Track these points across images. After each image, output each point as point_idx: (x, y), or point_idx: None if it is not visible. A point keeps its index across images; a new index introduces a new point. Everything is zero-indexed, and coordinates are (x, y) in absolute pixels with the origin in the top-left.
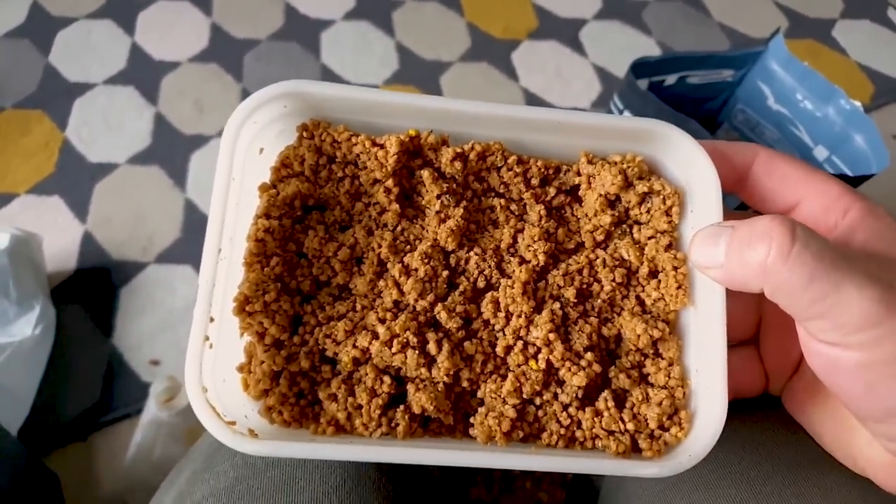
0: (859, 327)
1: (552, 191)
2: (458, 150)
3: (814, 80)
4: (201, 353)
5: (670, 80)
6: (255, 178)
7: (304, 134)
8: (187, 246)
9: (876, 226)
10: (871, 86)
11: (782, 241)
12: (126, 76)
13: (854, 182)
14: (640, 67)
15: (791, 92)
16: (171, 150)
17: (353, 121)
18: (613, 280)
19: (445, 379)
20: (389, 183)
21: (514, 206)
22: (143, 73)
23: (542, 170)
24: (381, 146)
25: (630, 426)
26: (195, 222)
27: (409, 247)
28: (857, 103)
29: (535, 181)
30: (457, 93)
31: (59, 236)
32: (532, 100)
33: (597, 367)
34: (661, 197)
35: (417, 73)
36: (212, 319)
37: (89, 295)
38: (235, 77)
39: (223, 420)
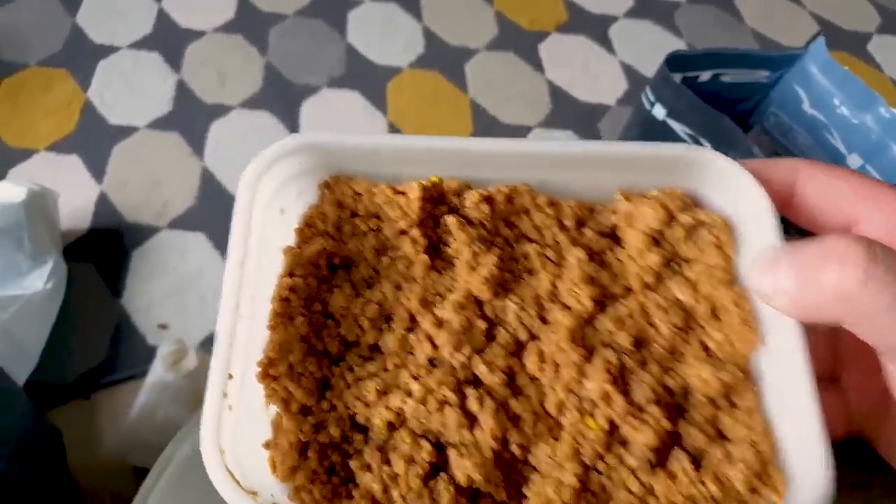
0: None
1: (589, 233)
2: (484, 192)
3: (853, 85)
4: (219, 411)
5: (704, 76)
6: (277, 239)
7: (326, 192)
8: (202, 213)
9: None
10: None
11: (859, 262)
12: (151, 42)
13: None
14: (675, 61)
15: (828, 97)
16: (192, 118)
17: (374, 173)
18: (671, 323)
19: (492, 443)
20: (415, 233)
21: (549, 252)
22: (168, 40)
23: (576, 210)
24: (403, 193)
25: (714, 489)
26: (211, 191)
27: (440, 299)
28: None
29: (569, 223)
30: (482, 80)
31: (75, 195)
32: (557, 92)
33: (665, 423)
34: (710, 229)
35: (442, 59)
36: (230, 376)
37: (101, 255)
38: (260, 50)
39: (243, 488)
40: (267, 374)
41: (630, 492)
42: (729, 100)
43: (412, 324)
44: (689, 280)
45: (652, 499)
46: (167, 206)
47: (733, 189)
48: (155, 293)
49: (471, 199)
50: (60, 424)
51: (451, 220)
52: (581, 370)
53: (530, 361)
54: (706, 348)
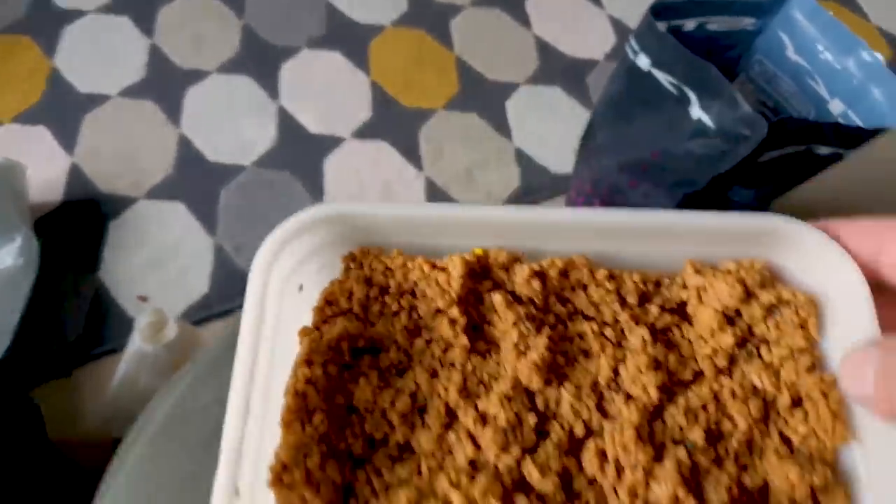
0: None
1: (654, 310)
2: (535, 267)
3: (837, 30)
4: None
5: (689, 25)
6: (294, 321)
7: (352, 265)
8: (180, 182)
9: None
10: (889, 51)
11: None
12: (120, 5)
13: (868, 136)
14: (660, 9)
15: (812, 42)
16: (166, 85)
17: (408, 243)
18: (749, 414)
19: None
20: (454, 312)
21: (608, 331)
22: (138, 3)
23: (640, 285)
24: (443, 269)
25: None
26: (189, 159)
27: (483, 389)
28: (879, 55)
29: (631, 299)
30: (468, 37)
31: (44, 167)
32: (544, 48)
33: None
34: (793, 308)
35: (427, 16)
36: (237, 492)
37: (76, 228)
38: (237, 12)
39: None
40: (279, 480)
41: None
42: (715, 48)
43: (451, 419)
44: (769, 365)
45: None
46: (144, 175)
47: (819, 262)
48: (134, 265)
49: (521, 276)
50: (42, 401)
51: (497, 299)
52: (649, 472)
53: (589, 462)
54: (788, 441)
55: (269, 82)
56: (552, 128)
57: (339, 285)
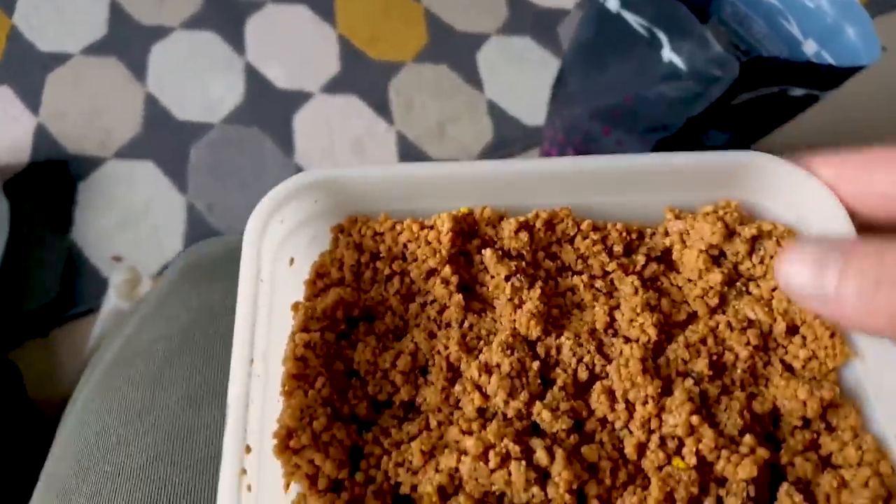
0: None
1: (641, 259)
2: (521, 219)
3: None
4: (238, 490)
5: None
6: (288, 294)
7: (340, 235)
8: (148, 141)
9: None
10: None
11: None
12: None
13: (842, 75)
14: None
15: None
16: (130, 41)
17: (396, 210)
18: (748, 344)
19: (568, 498)
20: (447, 271)
21: (599, 283)
22: None
23: (624, 235)
24: (431, 227)
25: None
26: (156, 117)
27: (482, 343)
28: None
29: (617, 249)
30: None
31: (9, 128)
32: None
33: (763, 452)
34: (774, 239)
35: None
36: (248, 449)
37: (45, 189)
38: None
39: None
40: (286, 446)
41: None
42: None
43: (453, 374)
44: (759, 298)
45: None
46: (111, 135)
47: (797, 195)
48: (105, 225)
49: (508, 229)
50: (21, 363)
51: (487, 254)
52: (659, 404)
53: (598, 402)
54: (790, 368)
55: (235, 38)
56: (524, 79)
57: (329, 256)
